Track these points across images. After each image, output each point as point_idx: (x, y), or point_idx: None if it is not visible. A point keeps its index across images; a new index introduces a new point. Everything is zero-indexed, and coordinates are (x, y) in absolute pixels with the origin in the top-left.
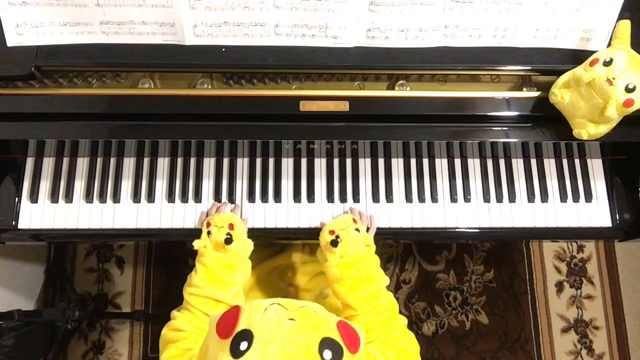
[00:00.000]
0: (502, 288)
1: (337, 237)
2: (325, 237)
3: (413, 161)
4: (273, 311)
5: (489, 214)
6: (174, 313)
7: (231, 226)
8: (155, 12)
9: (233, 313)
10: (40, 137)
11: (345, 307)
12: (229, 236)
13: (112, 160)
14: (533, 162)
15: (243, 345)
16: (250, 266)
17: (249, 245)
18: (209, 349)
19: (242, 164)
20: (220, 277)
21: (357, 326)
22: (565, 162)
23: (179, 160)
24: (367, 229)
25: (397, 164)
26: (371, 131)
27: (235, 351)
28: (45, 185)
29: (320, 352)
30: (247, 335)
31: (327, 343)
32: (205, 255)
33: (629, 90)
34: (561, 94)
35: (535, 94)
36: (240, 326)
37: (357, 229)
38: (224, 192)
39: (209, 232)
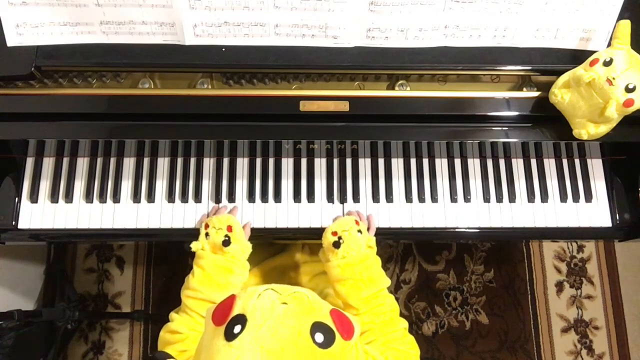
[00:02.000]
0: (502, 288)
1: (340, 238)
2: (328, 238)
3: (413, 161)
4: (267, 296)
5: (489, 214)
6: (172, 315)
7: (229, 228)
8: (155, 12)
9: (228, 301)
10: (40, 137)
11: (347, 306)
12: (227, 238)
13: (112, 160)
14: (533, 162)
15: (237, 328)
16: (248, 269)
17: (247, 247)
18: (204, 339)
19: (242, 164)
20: (218, 279)
21: (353, 317)
22: (565, 162)
23: (179, 160)
24: (367, 229)
25: (397, 164)
26: (371, 131)
27: (229, 335)
28: (45, 185)
29: (312, 335)
30: (240, 319)
31: (318, 327)
32: (203, 258)
33: (629, 90)
34: (561, 94)
35: (535, 94)
36: (235, 312)
37: (359, 231)
38: (223, 192)
39: (207, 234)
